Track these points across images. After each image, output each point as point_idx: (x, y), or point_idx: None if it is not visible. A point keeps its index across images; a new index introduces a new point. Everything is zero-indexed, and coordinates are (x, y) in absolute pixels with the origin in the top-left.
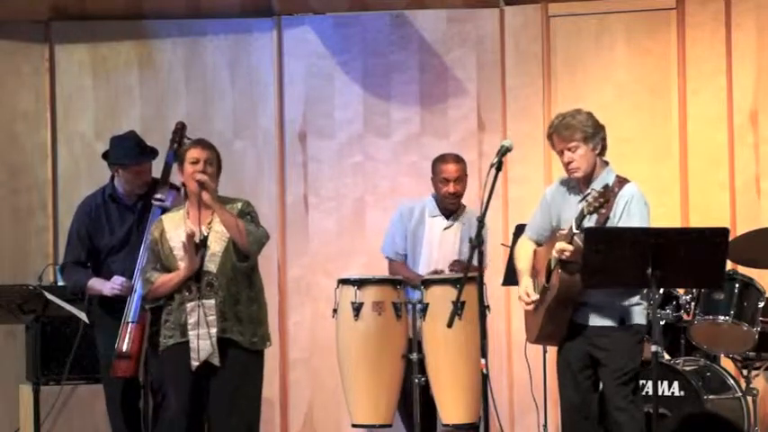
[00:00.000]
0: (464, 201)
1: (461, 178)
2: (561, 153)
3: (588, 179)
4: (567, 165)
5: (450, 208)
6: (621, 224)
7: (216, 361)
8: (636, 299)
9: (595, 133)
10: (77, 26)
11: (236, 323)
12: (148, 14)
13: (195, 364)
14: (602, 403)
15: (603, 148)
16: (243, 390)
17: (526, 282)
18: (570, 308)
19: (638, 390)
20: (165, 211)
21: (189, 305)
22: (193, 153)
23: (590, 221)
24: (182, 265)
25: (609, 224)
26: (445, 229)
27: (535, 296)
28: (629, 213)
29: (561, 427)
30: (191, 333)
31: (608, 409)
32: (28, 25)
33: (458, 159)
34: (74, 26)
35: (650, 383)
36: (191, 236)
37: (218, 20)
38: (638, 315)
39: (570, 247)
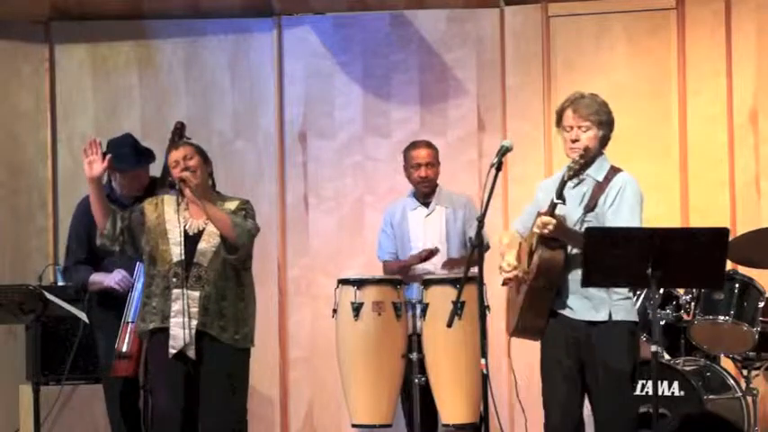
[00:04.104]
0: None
1: (432, 164)
2: (569, 129)
3: (585, 166)
4: (571, 142)
5: (425, 191)
6: (611, 211)
7: (191, 354)
8: (624, 292)
9: (608, 122)
10: (77, 26)
11: (219, 319)
12: (148, 14)
13: (172, 351)
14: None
15: (607, 141)
16: (230, 387)
17: (509, 255)
18: (551, 291)
19: (629, 391)
20: None
21: (174, 292)
22: (172, 157)
23: (578, 209)
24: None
25: (598, 210)
26: (426, 216)
27: (516, 271)
28: (620, 200)
29: (544, 428)
30: (172, 320)
31: (592, 410)
32: (28, 25)
33: (429, 145)
34: (74, 26)
35: (650, 383)
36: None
37: (218, 20)
38: (627, 311)
39: (553, 220)
